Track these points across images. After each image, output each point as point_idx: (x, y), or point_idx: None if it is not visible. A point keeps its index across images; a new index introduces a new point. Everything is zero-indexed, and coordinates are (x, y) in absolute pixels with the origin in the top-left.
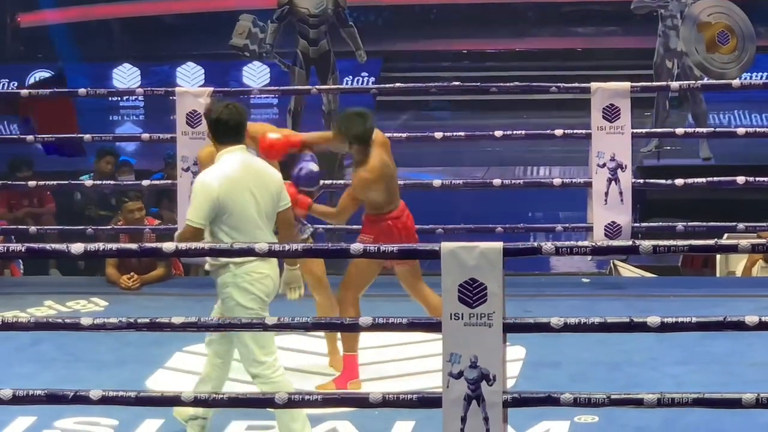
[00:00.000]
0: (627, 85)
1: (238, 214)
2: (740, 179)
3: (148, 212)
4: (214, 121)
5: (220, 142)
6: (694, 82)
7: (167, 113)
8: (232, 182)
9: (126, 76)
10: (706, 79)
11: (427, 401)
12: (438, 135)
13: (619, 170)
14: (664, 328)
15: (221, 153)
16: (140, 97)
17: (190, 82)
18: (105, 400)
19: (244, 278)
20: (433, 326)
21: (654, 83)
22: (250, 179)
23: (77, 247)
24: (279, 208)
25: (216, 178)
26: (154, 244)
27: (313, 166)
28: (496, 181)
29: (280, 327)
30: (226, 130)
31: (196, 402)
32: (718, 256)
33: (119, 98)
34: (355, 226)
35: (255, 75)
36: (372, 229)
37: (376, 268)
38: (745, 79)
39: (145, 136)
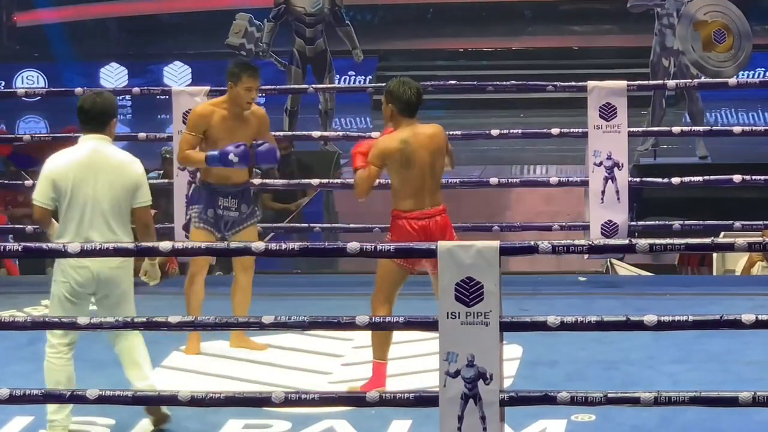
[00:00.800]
0: (623, 83)
1: (69, 199)
2: (737, 177)
3: None
4: (77, 108)
5: (82, 129)
6: (690, 80)
7: (155, 113)
8: (70, 166)
9: (114, 75)
10: (702, 77)
11: (424, 400)
12: None
13: (615, 169)
14: (660, 326)
15: (80, 139)
16: (127, 97)
17: (177, 81)
18: (102, 400)
19: (63, 264)
20: (429, 325)
21: (650, 82)
22: (94, 168)
23: (74, 247)
24: (134, 204)
25: (54, 160)
26: (150, 243)
27: (271, 145)
28: (493, 180)
29: (277, 326)
30: (86, 118)
31: (193, 401)
32: (714, 255)
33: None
34: (355, 225)
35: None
36: (391, 228)
37: (396, 269)
38: (742, 77)
39: (142, 135)
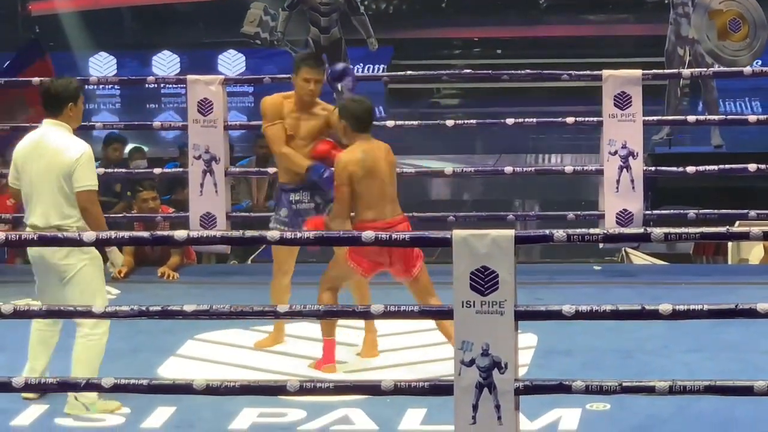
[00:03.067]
0: (638, 72)
1: (23, 180)
2: (752, 166)
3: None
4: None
5: (44, 112)
6: (705, 69)
7: (143, 102)
8: (23, 149)
9: (102, 65)
10: (717, 66)
11: (439, 389)
12: (449, 123)
13: (630, 158)
14: (675, 315)
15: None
16: (116, 86)
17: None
18: (117, 388)
19: None
20: (444, 314)
21: (665, 71)
22: (37, 152)
23: (89, 235)
24: (74, 189)
25: (20, 142)
26: (166, 232)
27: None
28: (508, 169)
29: (292, 314)
30: (44, 102)
31: (208, 390)
32: (729, 244)
33: (96, 86)
34: None
35: (230, 64)
36: None
37: (349, 272)
38: (757, 66)
39: (157, 123)
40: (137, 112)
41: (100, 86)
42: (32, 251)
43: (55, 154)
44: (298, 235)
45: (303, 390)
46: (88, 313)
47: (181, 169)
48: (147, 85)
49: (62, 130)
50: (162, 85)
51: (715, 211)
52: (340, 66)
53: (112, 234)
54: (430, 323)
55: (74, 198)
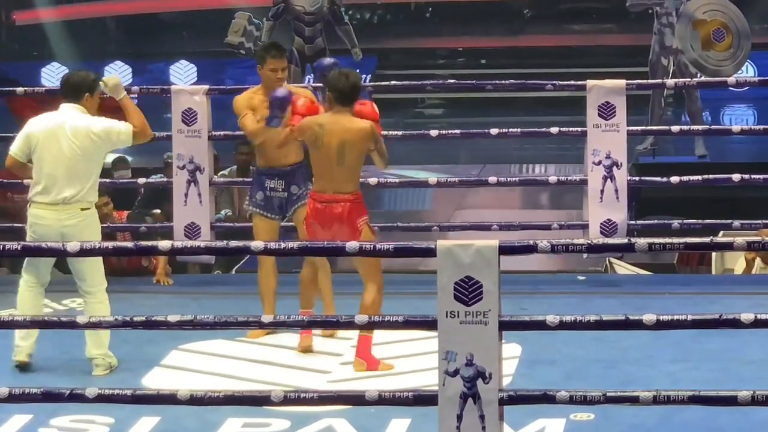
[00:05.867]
0: (622, 82)
1: (39, 156)
2: (736, 177)
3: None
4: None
5: (62, 99)
6: (689, 79)
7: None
8: (44, 128)
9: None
10: (701, 76)
11: (423, 399)
12: (433, 133)
13: (614, 168)
14: (659, 325)
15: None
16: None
17: (184, 79)
18: (101, 398)
19: (31, 218)
20: (428, 324)
21: (649, 81)
22: (60, 131)
23: (73, 246)
24: (122, 137)
25: (33, 120)
26: (150, 243)
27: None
28: (492, 179)
29: (277, 324)
30: (63, 90)
31: (192, 400)
32: (714, 254)
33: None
34: None
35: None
36: None
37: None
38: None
39: None
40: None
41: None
42: (55, 224)
43: (78, 130)
44: (283, 245)
45: (287, 400)
46: (71, 324)
47: (165, 179)
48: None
49: (80, 111)
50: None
51: (699, 221)
52: (327, 61)
53: (96, 244)
54: (416, 333)
55: (90, 175)
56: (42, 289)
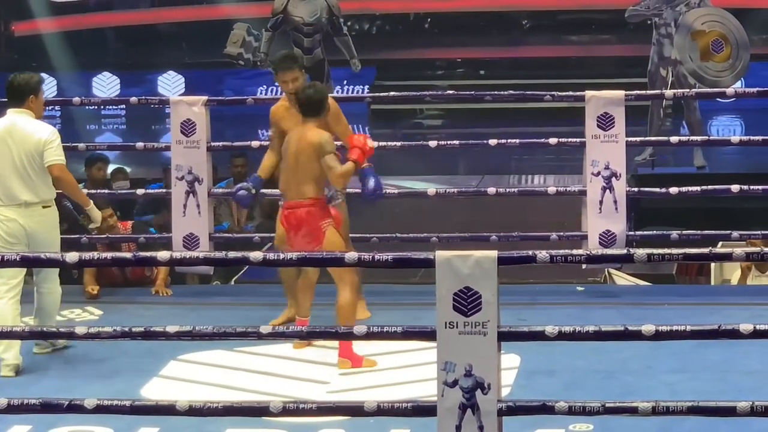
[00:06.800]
0: (621, 93)
1: None
2: (734, 187)
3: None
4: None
5: (7, 104)
6: (688, 90)
7: (148, 122)
8: None
9: (106, 85)
10: (700, 87)
11: (422, 410)
12: (432, 143)
13: (613, 179)
14: (658, 336)
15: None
16: (122, 106)
17: (172, 90)
18: (100, 409)
19: None
20: (427, 335)
21: (648, 92)
22: (7, 137)
23: (72, 256)
24: (46, 164)
25: None
26: (149, 253)
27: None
28: (491, 190)
29: (275, 335)
30: (7, 95)
31: (191, 411)
32: (712, 265)
33: (101, 107)
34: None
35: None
36: None
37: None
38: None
39: (140, 145)
40: (144, 132)
41: (106, 107)
42: (21, 221)
43: (25, 137)
44: (282, 256)
45: (286, 411)
46: (69, 334)
47: (164, 190)
48: (152, 106)
49: (27, 116)
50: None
51: (698, 232)
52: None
53: (95, 255)
54: (414, 344)
55: (43, 175)
56: (18, 298)
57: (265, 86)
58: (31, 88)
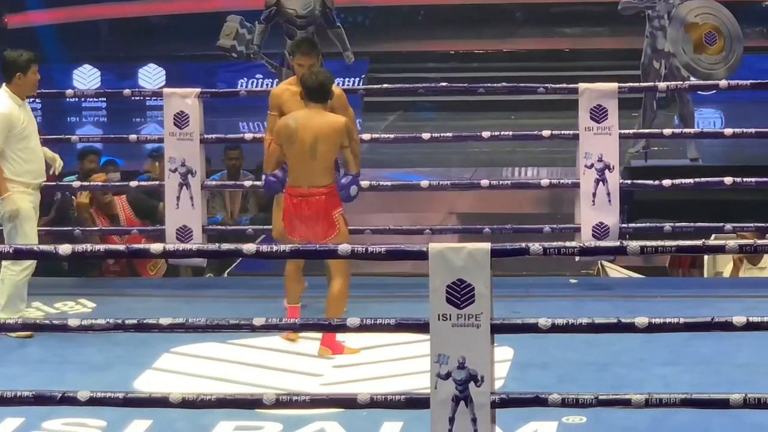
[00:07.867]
0: (614, 85)
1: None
2: (727, 180)
3: None
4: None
5: None
6: (681, 82)
7: (129, 114)
8: None
9: (87, 77)
10: (693, 79)
11: (415, 402)
12: (425, 136)
13: (606, 171)
14: (651, 328)
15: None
16: (102, 99)
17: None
18: (93, 401)
19: None
20: (420, 327)
21: (641, 84)
22: None
23: (65, 248)
24: None
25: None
26: (141, 245)
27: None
28: (484, 182)
29: (269, 328)
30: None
31: (184, 403)
32: (705, 257)
33: (82, 99)
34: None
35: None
36: None
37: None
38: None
39: (132, 137)
40: (124, 125)
41: (85, 99)
42: None
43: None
44: (275, 248)
45: (279, 403)
46: (62, 327)
47: (156, 182)
48: (133, 98)
49: (6, 95)
50: (146, 98)
51: (691, 224)
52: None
53: (88, 247)
54: (407, 336)
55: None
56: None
57: (261, 76)
58: (19, 66)
